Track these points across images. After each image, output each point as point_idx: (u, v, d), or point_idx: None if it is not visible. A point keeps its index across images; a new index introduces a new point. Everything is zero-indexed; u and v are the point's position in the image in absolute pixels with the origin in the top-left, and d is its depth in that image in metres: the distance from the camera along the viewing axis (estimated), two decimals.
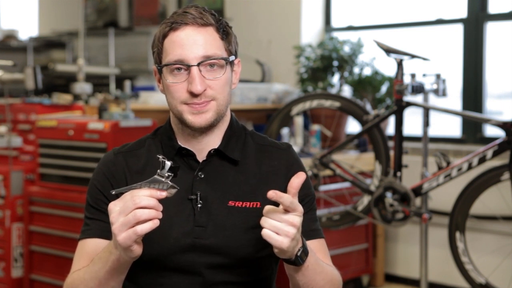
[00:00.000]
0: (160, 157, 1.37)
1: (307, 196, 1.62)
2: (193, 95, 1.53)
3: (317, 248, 1.60)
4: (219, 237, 1.56)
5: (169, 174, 1.36)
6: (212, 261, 1.57)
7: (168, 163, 1.36)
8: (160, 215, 1.35)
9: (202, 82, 1.53)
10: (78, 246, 1.62)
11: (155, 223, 1.34)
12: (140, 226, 1.33)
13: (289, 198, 1.36)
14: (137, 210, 1.33)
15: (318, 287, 1.51)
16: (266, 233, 1.36)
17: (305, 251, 1.44)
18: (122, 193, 1.38)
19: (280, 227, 1.36)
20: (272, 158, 1.64)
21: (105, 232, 1.58)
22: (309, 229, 1.61)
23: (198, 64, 1.52)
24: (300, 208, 1.38)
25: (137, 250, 1.39)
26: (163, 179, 1.36)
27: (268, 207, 1.38)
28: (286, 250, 1.38)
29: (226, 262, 1.57)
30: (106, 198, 1.60)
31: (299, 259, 1.43)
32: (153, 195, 1.34)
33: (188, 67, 1.53)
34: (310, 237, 1.61)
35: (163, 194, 1.36)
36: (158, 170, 1.36)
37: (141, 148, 1.66)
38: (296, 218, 1.38)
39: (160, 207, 1.35)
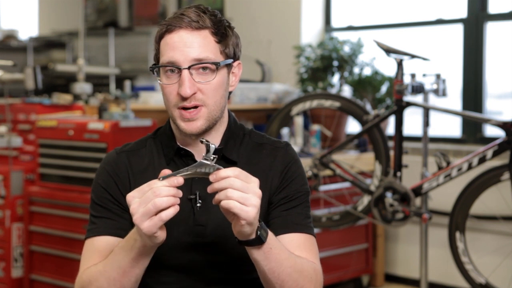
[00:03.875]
0: (204, 140, 1.41)
1: (297, 192, 1.61)
2: (183, 98, 1.53)
3: (300, 242, 1.57)
4: (219, 235, 1.57)
5: (215, 156, 1.40)
6: (213, 259, 1.58)
7: (213, 146, 1.40)
8: (178, 201, 1.37)
9: (191, 85, 1.53)
10: (86, 244, 1.62)
11: (176, 209, 1.37)
12: (164, 212, 1.36)
13: (234, 170, 1.36)
14: (156, 199, 1.35)
15: (285, 274, 1.48)
16: (235, 205, 1.34)
17: (264, 229, 1.43)
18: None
19: (248, 198, 1.35)
20: (269, 155, 1.64)
21: (113, 229, 1.59)
22: (294, 223, 1.59)
23: (189, 68, 1.53)
24: (254, 178, 1.38)
25: (162, 235, 1.41)
26: (209, 162, 1.39)
27: (224, 175, 1.36)
28: (253, 221, 1.36)
29: (226, 260, 1.58)
30: (112, 196, 1.61)
31: (260, 237, 1.42)
32: (172, 184, 1.36)
33: (179, 69, 1.53)
34: (295, 230, 1.58)
35: (180, 180, 1.38)
36: (203, 154, 1.40)
37: (142, 148, 1.67)
38: (257, 187, 1.38)
39: (180, 194, 1.38)
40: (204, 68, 1.54)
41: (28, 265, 3.67)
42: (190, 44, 1.53)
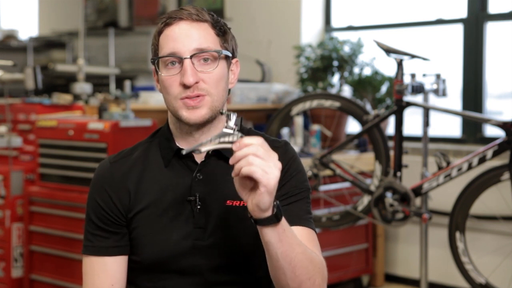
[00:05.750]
0: (224, 111, 1.43)
1: (298, 188, 1.60)
2: (186, 87, 1.53)
3: (303, 235, 1.55)
4: (219, 237, 1.57)
5: (236, 125, 1.39)
6: (213, 261, 1.57)
7: (234, 115, 1.40)
8: None
9: (194, 74, 1.52)
10: (86, 262, 1.62)
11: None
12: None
13: (258, 139, 1.34)
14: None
15: (297, 260, 1.44)
16: (256, 170, 1.30)
17: (279, 207, 1.39)
18: (193, 151, 1.38)
19: (270, 166, 1.32)
20: None
21: (110, 248, 1.59)
22: (295, 216, 1.56)
23: (191, 57, 1.53)
24: (274, 152, 1.35)
25: None
26: (232, 131, 1.38)
27: (248, 142, 1.33)
28: (272, 190, 1.33)
29: (227, 262, 1.57)
30: (107, 212, 1.60)
31: (277, 214, 1.38)
32: None
33: (181, 59, 1.53)
34: (297, 223, 1.55)
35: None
36: (226, 124, 1.40)
37: (136, 153, 1.65)
38: (277, 160, 1.35)
39: None
40: (205, 59, 1.54)
41: (28, 265, 3.67)
42: (191, 34, 1.54)
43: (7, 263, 3.73)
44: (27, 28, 7.35)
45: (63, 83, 5.58)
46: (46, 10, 7.25)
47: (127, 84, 3.70)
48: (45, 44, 6.60)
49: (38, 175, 3.66)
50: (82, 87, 4.30)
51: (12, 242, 3.73)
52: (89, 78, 4.68)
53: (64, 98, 4.13)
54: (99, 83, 5.52)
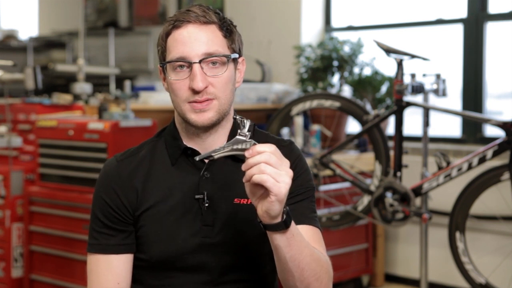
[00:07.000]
0: (238, 117, 1.43)
1: (303, 188, 1.61)
2: (195, 92, 1.53)
3: (309, 234, 1.56)
4: (226, 235, 1.57)
5: (249, 132, 1.40)
6: (220, 259, 1.58)
7: (248, 122, 1.41)
8: None
9: (203, 79, 1.53)
10: (91, 260, 1.61)
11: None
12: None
13: (270, 146, 1.35)
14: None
15: (305, 262, 1.46)
16: (268, 179, 1.32)
17: (289, 214, 1.41)
18: (206, 158, 1.39)
19: (281, 174, 1.33)
20: None
21: (117, 246, 1.59)
22: (302, 215, 1.57)
23: (200, 61, 1.53)
24: (286, 159, 1.37)
25: None
26: (246, 138, 1.39)
27: (260, 150, 1.35)
28: (283, 198, 1.34)
29: (234, 259, 1.58)
30: (114, 210, 1.60)
31: (286, 221, 1.39)
32: None
33: (190, 64, 1.53)
34: (303, 222, 1.57)
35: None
36: (239, 130, 1.40)
37: (143, 152, 1.65)
38: (289, 167, 1.36)
39: None
40: (214, 63, 1.55)
41: (28, 265, 3.67)
42: (199, 38, 1.54)
43: (7, 263, 3.73)
44: (27, 28, 7.35)
45: (63, 83, 5.59)
46: (46, 10, 7.26)
47: (127, 84, 3.70)
48: (45, 44, 6.60)
49: (38, 175, 3.66)
50: (82, 87, 4.30)
51: (12, 242, 3.73)
52: (89, 78, 4.68)
53: (64, 98, 4.13)
54: (99, 83, 5.52)
